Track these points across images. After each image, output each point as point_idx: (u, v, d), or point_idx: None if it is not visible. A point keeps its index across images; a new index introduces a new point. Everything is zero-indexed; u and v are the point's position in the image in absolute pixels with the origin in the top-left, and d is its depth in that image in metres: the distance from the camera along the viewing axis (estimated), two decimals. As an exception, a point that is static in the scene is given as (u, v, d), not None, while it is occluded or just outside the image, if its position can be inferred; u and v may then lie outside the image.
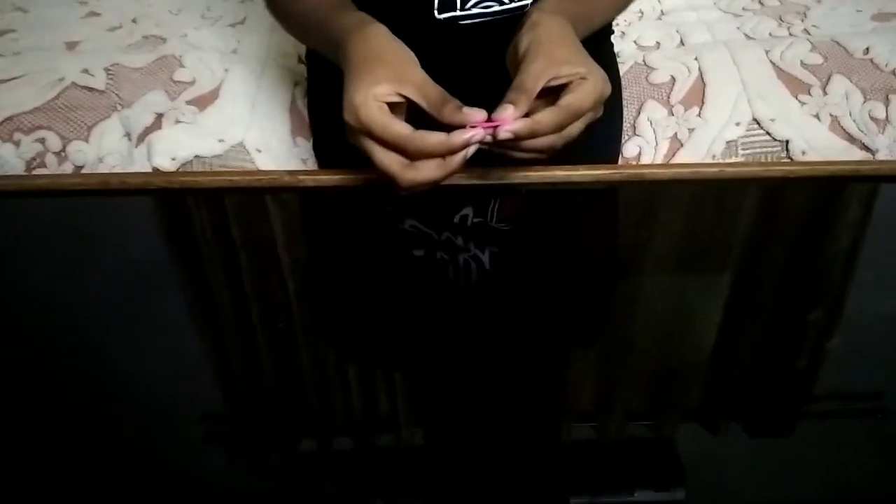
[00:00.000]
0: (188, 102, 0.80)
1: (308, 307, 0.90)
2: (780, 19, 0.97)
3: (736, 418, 1.27)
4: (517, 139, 0.58)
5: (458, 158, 0.58)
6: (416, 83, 0.58)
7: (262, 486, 0.65)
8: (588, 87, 0.59)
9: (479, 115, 0.58)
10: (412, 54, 0.61)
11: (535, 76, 0.58)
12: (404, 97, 0.58)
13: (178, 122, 0.78)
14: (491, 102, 0.70)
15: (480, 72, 0.75)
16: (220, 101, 0.81)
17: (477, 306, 0.88)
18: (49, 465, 0.61)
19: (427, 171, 0.58)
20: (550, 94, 0.60)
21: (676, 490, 0.84)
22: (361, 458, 0.72)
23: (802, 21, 0.96)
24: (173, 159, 0.77)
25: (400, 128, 0.57)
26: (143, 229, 0.78)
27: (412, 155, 0.57)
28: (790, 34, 0.94)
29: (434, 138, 0.57)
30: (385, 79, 0.58)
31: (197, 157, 0.77)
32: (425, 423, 0.91)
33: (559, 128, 0.58)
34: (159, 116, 0.78)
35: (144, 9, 1.00)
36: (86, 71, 0.83)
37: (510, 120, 0.56)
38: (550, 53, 0.59)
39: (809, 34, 0.93)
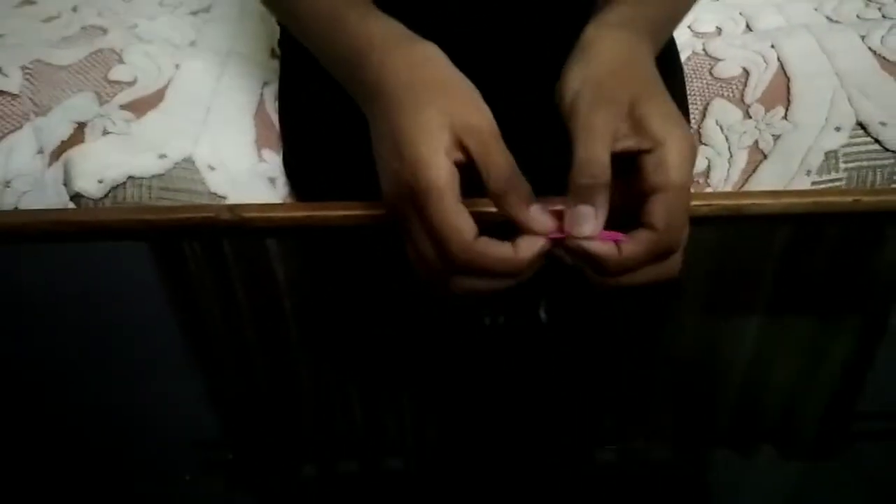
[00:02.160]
0: (122, 107, 0.62)
1: (308, 328, 0.79)
2: (867, -4, 0.78)
3: (767, 441, 1.12)
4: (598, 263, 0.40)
5: (524, 274, 0.40)
6: (485, 138, 0.40)
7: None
8: (674, 167, 0.40)
9: (552, 222, 0.40)
10: (477, 92, 0.43)
11: (606, 144, 0.39)
12: (465, 154, 0.40)
13: (106, 132, 0.60)
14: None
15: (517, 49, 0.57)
16: (164, 104, 0.63)
17: (496, 349, 0.73)
18: (44, 493, 0.60)
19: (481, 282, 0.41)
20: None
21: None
22: (366, 483, 0.69)
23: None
24: (100, 182, 0.59)
25: (464, 222, 0.39)
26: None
27: (458, 262, 0.39)
28: (884, 16, 0.75)
29: (498, 252, 0.39)
30: (448, 119, 0.40)
31: (131, 178, 0.59)
32: (434, 446, 0.80)
33: (655, 255, 0.40)
34: (80, 126, 0.60)
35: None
36: (-1, 70, 0.65)
37: (596, 230, 0.39)
38: (613, 100, 0.40)
39: (909, 13, 0.74)
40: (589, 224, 0.39)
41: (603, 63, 0.42)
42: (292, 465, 0.74)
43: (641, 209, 0.40)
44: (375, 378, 0.78)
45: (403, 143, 0.39)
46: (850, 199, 0.44)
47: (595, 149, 0.39)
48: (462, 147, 0.40)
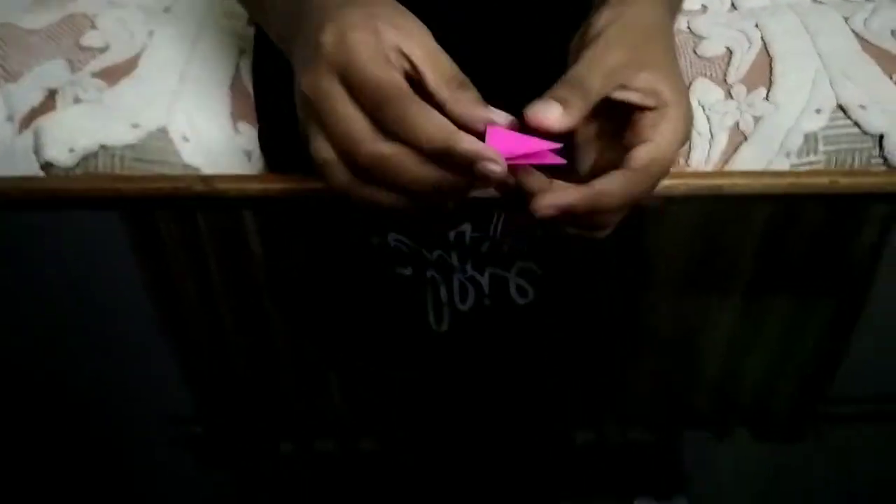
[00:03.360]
0: (94, 75, 0.61)
1: (283, 311, 0.78)
2: (852, -23, 0.78)
3: (742, 423, 1.14)
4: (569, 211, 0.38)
5: (455, 179, 0.37)
6: (426, 44, 0.38)
7: (240, 489, 0.62)
8: (670, 129, 0.39)
9: (505, 118, 0.38)
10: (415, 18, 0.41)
11: (604, 73, 0.38)
12: (407, 61, 0.38)
13: (78, 100, 0.59)
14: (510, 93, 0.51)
15: (505, 51, 0.56)
16: (137, 71, 0.62)
17: (471, 333, 0.73)
18: (20, 466, 0.59)
19: (412, 161, 0.37)
20: (611, 112, 0.41)
21: (678, 498, 0.80)
22: (343, 461, 0.69)
23: (881, -20, 0.77)
24: (71, 151, 0.58)
25: (398, 78, 0.36)
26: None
27: (390, 117, 0.36)
28: (868, -1, 0.75)
29: (437, 119, 0.36)
30: (388, 22, 0.37)
31: (103, 147, 0.58)
32: (411, 427, 0.81)
33: (630, 197, 0.39)
34: (52, 94, 0.59)
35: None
36: (-34, 35, 0.63)
37: (554, 124, 0.36)
38: (634, 46, 0.39)
39: (893, -2, 0.74)
40: (553, 114, 0.37)
41: (633, 17, 0.41)
42: (266, 442, 0.73)
43: (624, 157, 0.39)
44: (351, 356, 0.77)
45: (334, 20, 0.37)
46: (826, 180, 0.44)
47: (592, 80, 0.38)
48: (403, 54, 0.38)
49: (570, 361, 0.83)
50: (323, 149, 0.38)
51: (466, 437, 0.79)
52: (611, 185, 0.38)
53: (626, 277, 0.83)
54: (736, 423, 1.22)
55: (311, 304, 0.77)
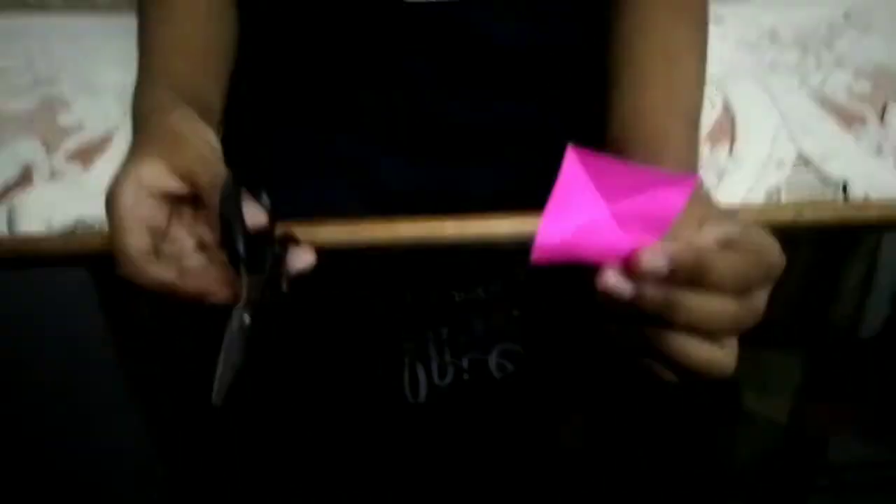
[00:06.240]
0: (70, 152, 0.62)
1: (257, 388, 0.77)
2: (804, 48, 0.82)
3: (735, 498, 1.11)
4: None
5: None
6: (198, 155, 0.43)
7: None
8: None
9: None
10: (213, 134, 0.46)
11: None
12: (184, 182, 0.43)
13: (53, 177, 0.60)
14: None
15: (462, 68, 0.58)
16: (113, 151, 0.63)
17: (449, 407, 0.71)
18: None
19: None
20: None
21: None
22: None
23: (830, 51, 0.81)
24: (48, 226, 0.58)
25: (136, 237, 0.43)
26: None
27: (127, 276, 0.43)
28: (820, 63, 0.79)
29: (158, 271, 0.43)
30: (160, 154, 0.42)
31: (79, 221, 0.59)
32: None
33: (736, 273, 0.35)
34: (28, 171, 0.60)
35: (42, 44, 0.82)
36: (-55, 118, 0.64)
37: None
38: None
39: (843, 63, 0.78)
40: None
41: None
42: None
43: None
44: (327, 432, 0.75)
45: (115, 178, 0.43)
46: (791, 213, 0.45)
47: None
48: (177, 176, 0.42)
49: (549, 437, 0.81)
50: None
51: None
52: (734, 258, 0.35)
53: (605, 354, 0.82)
54: (730, 498, 1.20)
55: (282, 379, 0.75)
